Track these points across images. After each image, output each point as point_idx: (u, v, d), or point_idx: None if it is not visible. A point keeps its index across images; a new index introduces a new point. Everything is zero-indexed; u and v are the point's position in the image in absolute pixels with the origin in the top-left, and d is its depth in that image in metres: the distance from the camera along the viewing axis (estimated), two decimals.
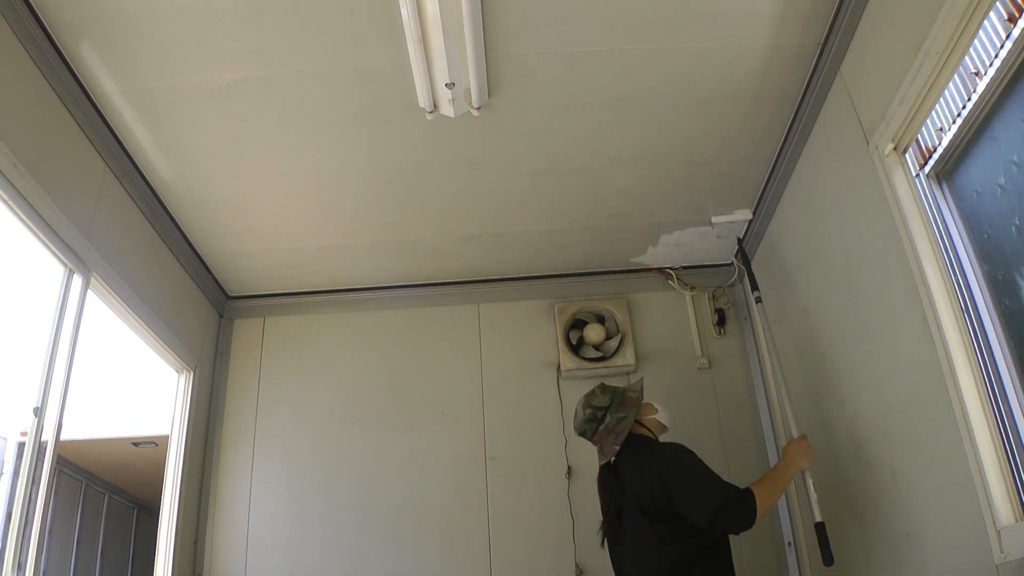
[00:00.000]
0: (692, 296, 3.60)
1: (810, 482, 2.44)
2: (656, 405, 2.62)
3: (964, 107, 1.82)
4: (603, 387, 2.60)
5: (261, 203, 3.00)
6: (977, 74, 1.75)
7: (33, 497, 2.19)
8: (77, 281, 2.39)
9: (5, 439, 3.82)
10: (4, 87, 2.04)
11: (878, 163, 2.14)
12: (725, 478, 3.32)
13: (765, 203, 3.09)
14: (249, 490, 3.28)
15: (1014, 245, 1.73)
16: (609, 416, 2.49)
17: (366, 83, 2.42)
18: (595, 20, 2.24)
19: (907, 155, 2.08)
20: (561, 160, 2.83)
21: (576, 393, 3.39)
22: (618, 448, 2.45)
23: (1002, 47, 1.64)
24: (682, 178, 2.98)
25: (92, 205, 2.49)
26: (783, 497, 3.16)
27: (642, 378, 2.74)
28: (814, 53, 2.40)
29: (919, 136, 2.02)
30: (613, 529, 2.47)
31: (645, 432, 2.56)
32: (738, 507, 2.19)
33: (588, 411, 2.55)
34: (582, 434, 2.59)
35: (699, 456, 2.36)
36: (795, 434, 2.59)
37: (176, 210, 3.00)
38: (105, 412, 4.39)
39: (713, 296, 3.60)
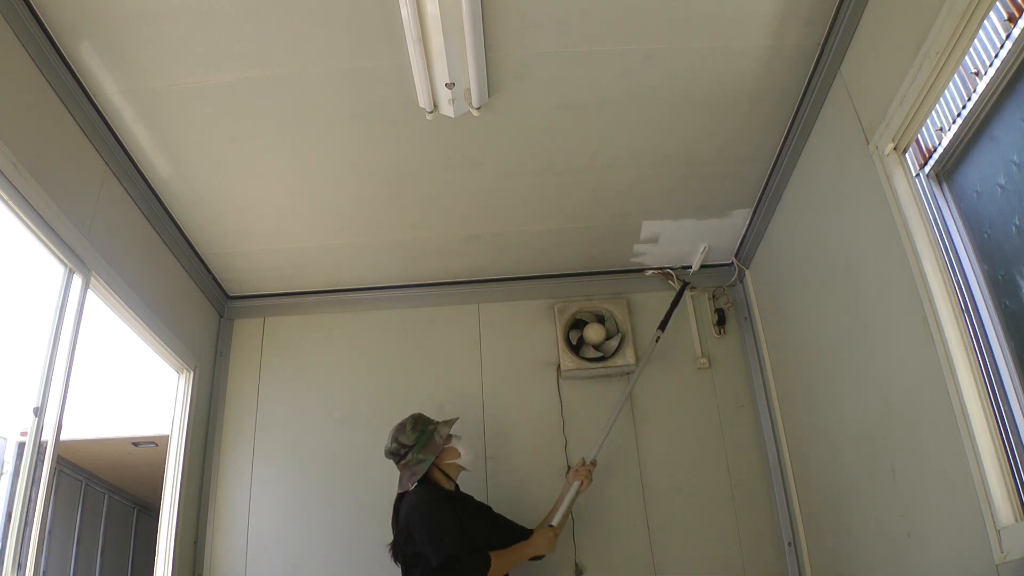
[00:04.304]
0: (692, 296, 3.60)
1: None
2: (461, 449, 2.79)
3: (964, 107, 1.82)
4: (415, 422, 2.77)
5: (261, 203, 3.00)
6: (977, 74, 1.75)
7: (33, 497, 2.19)
8: (77, 281, 2.39)
9: (5, 439, 3.81)
10: (4, 87, 2.03)
11: (878, 163, 2.14)
12: (726, 478, 3.35)
13: (765, 203, 3.09)
14: (249, 490, 3.28)
15: (1014, 245, 1.73)
16: (410, 455, 2.70)
17: (366, 83, 2.42)
18: (595, 20, 2.24)
19: (907, 155, 2.08)
20: (561, 160, 2.83)
21: (576, 393, 3.42)
22: (412, 485, 2.66)
23: (1002, 47, 1.64)
24: (682, 178, 2.98)
25: (92, 205, 2.49)
26: (783, 496, 3.18)
27: (456, 419, 2.88)
28: (814, 53, 2.40)
29: (919, 136, 2.02)
30: (395, 551, 2.68)
31: (440, 476, 2.75)
32: (475, 561, 2.49)
33: (393, 444, 2.74)
34: (388, 459, 2.79)
35: (443, 507, 2.59)
36: (591, 457, 2.95)
37: (176, 210, 3.00)
38: (105, 412, 4.39)
39: (713, 296, 3.60)
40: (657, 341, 3.29)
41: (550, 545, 2.73)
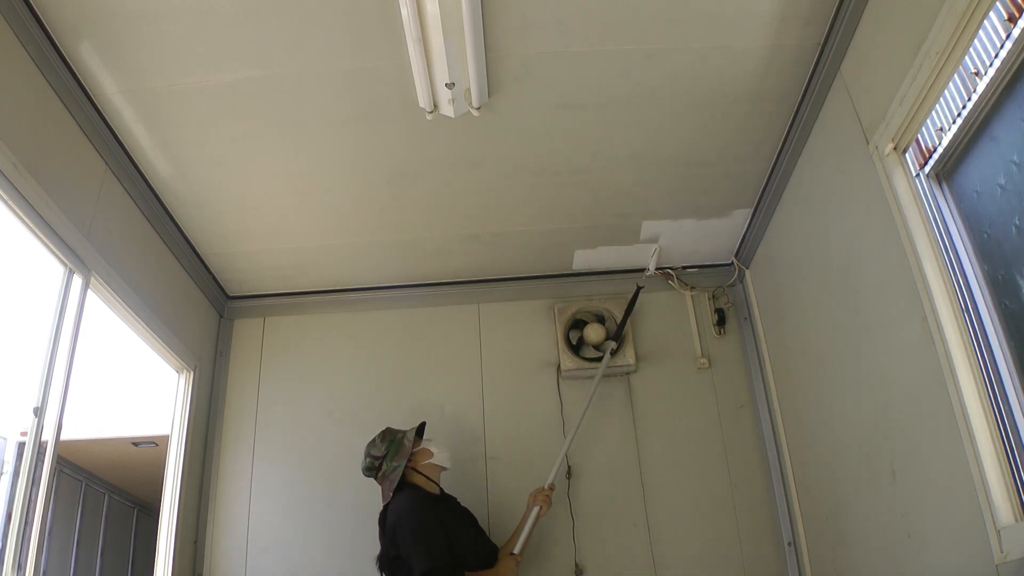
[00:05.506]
0: (692, 296, 3.60)
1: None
2: (434, 448, 2.84)
3: (964, 107, 1.82)
4: (384, 434, 2.84)
5: (261, 203, 3.00)
6: (977, 74, 1.75)
7: (33, 497, 2.19)
8: (77, 281, 2.39)
9: (5, 439, 3.81)
10: (4, 87, 2.04)
11: (878, 163, 2.14)
12: (726, 478, 3.34)
13: (765, 203, 3.09)
14: (249, 490, 3.28)
15: (1014, 245, 1.73)
16: (385, 465, 2.77)
17: (366, 83, 2.42)
18: (595, 20, 2.24)
19: (907, 155, 2.08)
20: (561, 160, 2.83)
21: (576, 393, 3.42)
22: (391, 494, 2.71)
23: (1002, 47, 1.64)
24: (682, 178, 2.98)
25: (92, 205, 2.49)
26: (783, 496, 3.18)
27: (423, 423, 2.93)
28: (814, 53, 2.40)
29: (919, 136, 2.02)
30: (381, 563, 2.69)
31: (421, 480, 2.80)
32: None
33: (368, 460, 2.82)
34: (368, 477, 2.84)
35: (430, 514, 2.62)
36: (548, 482, 2.94)
37: (176, 210, 3.00)
38: (105, 412, 4.39)
39: (713, 296, 3.59)
40: (613, 353, 3.31)
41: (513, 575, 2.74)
